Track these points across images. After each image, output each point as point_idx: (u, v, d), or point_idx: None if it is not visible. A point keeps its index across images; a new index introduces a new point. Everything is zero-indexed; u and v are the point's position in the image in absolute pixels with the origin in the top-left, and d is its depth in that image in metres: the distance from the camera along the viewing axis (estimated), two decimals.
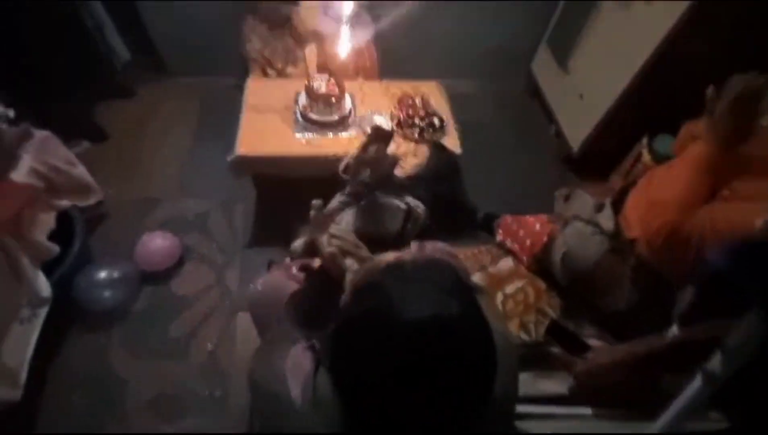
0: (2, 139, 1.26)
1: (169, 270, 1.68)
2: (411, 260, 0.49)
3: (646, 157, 1.89)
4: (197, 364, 1.51)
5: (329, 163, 1.54)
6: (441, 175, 1.29)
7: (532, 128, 2.52)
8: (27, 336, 1.31)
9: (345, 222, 1.28)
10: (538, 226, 1.27)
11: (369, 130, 1.57)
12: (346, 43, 1.48)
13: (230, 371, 1.50)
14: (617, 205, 1.27)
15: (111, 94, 2.24)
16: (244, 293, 1.64)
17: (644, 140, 1.93)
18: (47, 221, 1.45)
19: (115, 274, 1.55)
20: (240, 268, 1.75)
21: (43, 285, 1.35)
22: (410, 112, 1.62)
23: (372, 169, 1.27)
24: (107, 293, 1.53)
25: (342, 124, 1.59)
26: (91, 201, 1.66)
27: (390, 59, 2.07)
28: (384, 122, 1.61)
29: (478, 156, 1.81)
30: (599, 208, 1.27)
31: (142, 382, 1.46)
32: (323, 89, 1.52)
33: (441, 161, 1.31)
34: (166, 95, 2.35)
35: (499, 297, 1.20)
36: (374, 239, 1.22)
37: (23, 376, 1.26)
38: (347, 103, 1.61)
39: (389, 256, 0.51)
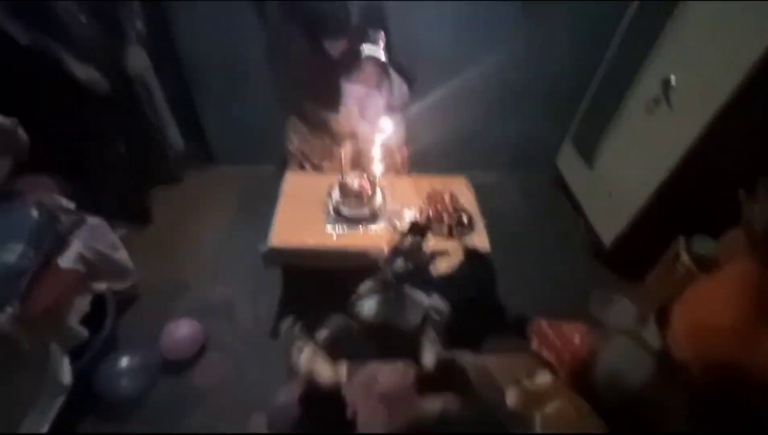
0: (58, 228, 1.35)
1: (190, 359, 1.65)
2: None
3: (685, 258, 1.81)
4: None
5: (358, 256, 1.56)
6: (474, 281, 1.27)
7: (560, 220, 2.51)
8: (39, 425, 1.27)
9: (368, 307, 1.26)
10: (577, 339, 1.19)
11: (398, 225, 1.62)
12: (381, 146, 1.58)
13: None
14: (662, 318, 1.19)
15: (161, 180, 2.43)
16: (261, 392, 1.57)
17: (681, 240, 1.87)
18: (82, 305, 1.49)
19: (137, 363, 1.53)
20: (260, 362, 1.69)
21: (66, 372, 1.34)
22: (439, 208, 1.66)
23: (407, 260, 1.28)
24: (126, 382, 1.50)
25: (372, 218, 1.64)
26: (127, 284, 1.72)
27: (419, 151, 2.18)
28: (413, 218, 1.65)
29: (505, 249, 1.78)
30: (642, 321, 1.20)
31: None
32: (356, 186, 1.60)
33: (475, 267, 1.29)
34: (210, 182, 2.53)
35: (538, 418, 1.09)
36: (392, 331, 1.18)
37: None
38: (378, 198, 1.67)
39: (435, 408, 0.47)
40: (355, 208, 1.61)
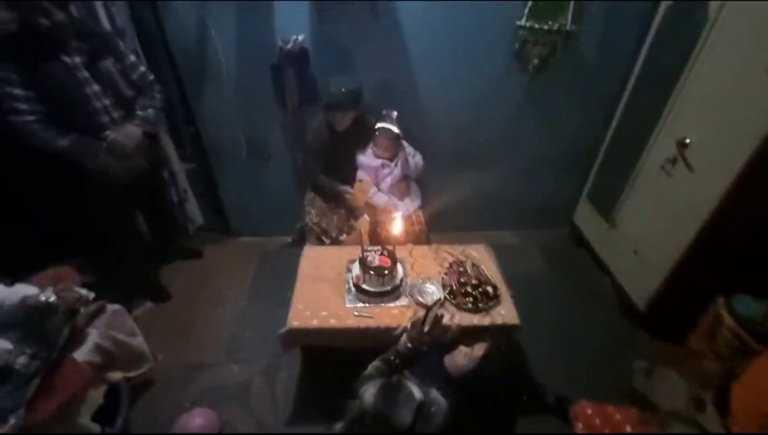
0: (78, 320, 1.34)
1: None
2: None
3: (728, 320, 1.69)
4: None
5: (379, 334, 1.50)
6: (506, 359, 1.18)
7: (585, 280, 2.42)
8: None
9: (369, 394, 1.17)
10: (628, 428, 1.08)
11: (420, 300, 1.56)
12: (399, 218, 1.58)
13: None
14: (721, 400, 1.08)
15: (180, 255, 2.45)
16: None
17: (720, 301, 1.77)
18: (96, 399, 1.42)
19: None
20: None
21: None
22: (462, 280, 1.61)
23: (428, 338, 1.22)
24: None
25: (393, 293, 1.59)
26: (143, 371, 1.66)
27: (435, 214, 2.18)
28: (436, 291, 1.60)
29: (531, 315, 1.70)
30: (699, 404, 1.09)
31: None
32: (376, 262, 1.57)
33: (506, 344, 1.22)
34: (228, 255, 2.54)
35: None
36: (383, 424, 1.08)
37: None
38: (399, 272, 1.64)
39: None
40: (375, 284, 1.57)
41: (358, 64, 2.01)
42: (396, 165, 2.01)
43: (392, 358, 1.29)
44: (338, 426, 1.28)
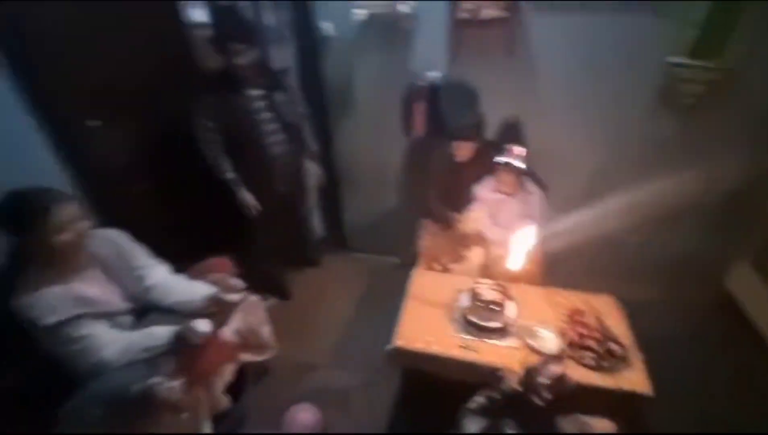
0: (228, 307, 1.60)
1: None
2: None
3: None
4: None
5: (483, 370, 1.46)
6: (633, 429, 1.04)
7: (738, 357, 1.99)
8: None
9: (469, 430, 1.12)
10: None
11: (532, 344, 1.48)
12: (517, 255, 1.54)
13: None
14: None
15: (301, 262, 2.74)
16: None
17: None
18: (227, 374, 1.67)
19: None
20: None
21: None
22: (584, 332, 1.48)
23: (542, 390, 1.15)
24: None
25: (503, 331, 1.54)
26: (266, 357, 1.88)
27: (556, 260, 2.05)
28: (552, 340, 1.49)
29: (666, 386, 1.45)
30: None
31: None
32: (488, 296, 1.55)
33: (633, 412, 1.08)
34: (342, 267, 2.76)
35: None
36: None
37: None
38: (510, 310, 1.58)
39: None
40: (485, 318, 1.54)
41: (488, 100, 2.05)
42: (516, 201, 1.97)
43: (498, 397, 1.24)
44: None
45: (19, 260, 1.21)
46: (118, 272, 1.39)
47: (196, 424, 1.41)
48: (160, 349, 1.33)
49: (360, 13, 1.96)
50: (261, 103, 1.92)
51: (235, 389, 1.68)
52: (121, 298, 1.40)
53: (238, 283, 1.62)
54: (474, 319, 1.55)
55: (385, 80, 2.20)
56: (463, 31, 1.94)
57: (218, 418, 1.55)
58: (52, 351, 1.22)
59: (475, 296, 1.57)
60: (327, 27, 2.11)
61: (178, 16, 2.07)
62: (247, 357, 1.78)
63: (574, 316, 1.56)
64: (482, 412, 1.22)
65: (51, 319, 1.15)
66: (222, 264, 1.77)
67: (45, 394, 1.24)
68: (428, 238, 2.04)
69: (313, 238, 2.81)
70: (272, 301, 2.42)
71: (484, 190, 2.00)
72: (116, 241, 1.41)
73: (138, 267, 1.44)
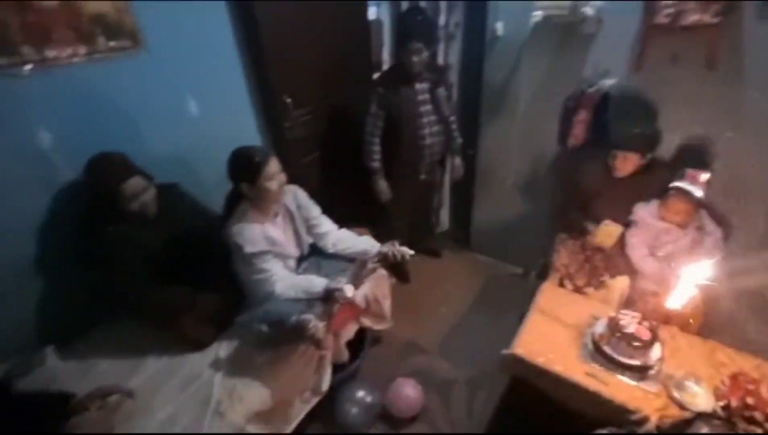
0: (364, 273, 1.79)
1: (402, 420, 1.77)
2: None
3: None
4: None
5: (610, 407, 1.33)
6: None
7: None
8: (298, 414, 1.61)
9: None
10: None
11: (677, 396, 1.30)
12: (678, 294, 1.35)
13: None
14: None
15: (423, 250, 2.85)
16: None
17: None
18: (350, 332, 1.86)
19: (367, 400, 1.76)
20: None
21: (327, 381, 1.67)
22: (749, 401, 1.23)
23: None
24: (354, 411, 1.74)
25: (641, 372, 1.38)
26: (382, 327, 2.04)
27: (721, 313, 1.73)
28: (704, 397, 1.29)
29: None
30: None
31: None
32: (632, 329, 1.40)
33: None
34: (461, 264, 2.78)
35: None
36: None
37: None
38: (655, 352, 1.41)
39: None
40: (621, 352, 1.40)
41: (671, 117, 1.81)
42: (684, 235, 1.71)
43: None
44: None
45: (235, 200, 1.55)
46: (297, 221, 1.68)
47: (324, 363, 1.62)
48: (314, 295, 1.57)
49: (537, 14, 1.92)
50: (425, 96, 2.08)
51: (352, 347, 1.88)
52: (294, 244, 1.69)
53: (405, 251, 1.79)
54: (609, 350, 1.42)
55: (550, 84, 2.12)
56: (657, 37, 1.74)
57: (336, 368, 1.75)
58: (242, 273, 1.54)
59: (614, 326, 1.43)
60: (498, 27, 2.13)
61: (364, 15, 2.34)
62: (366, 322, 1.96)
63: (740, 381, 1.31)
64: None
65: (249, 249, 1.46)
66: (364, 233, 1.96)
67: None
68: (565, 253, 1.92)
69: (438, 229, 2.90)
70: (392, 280, 2.59)
71: (646, 214, 1.79)
72: (297, 194, 1.69)
73: (313, 217, 1.72)
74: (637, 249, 1.80)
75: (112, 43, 1.44)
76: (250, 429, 1.33)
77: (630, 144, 1.75)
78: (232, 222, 1.49)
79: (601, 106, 1.94)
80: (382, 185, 2.25)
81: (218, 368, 1.46)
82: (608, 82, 1.88)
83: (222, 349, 1.54)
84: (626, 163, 1.78)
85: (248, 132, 2.03)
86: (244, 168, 1.46)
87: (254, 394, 1.39)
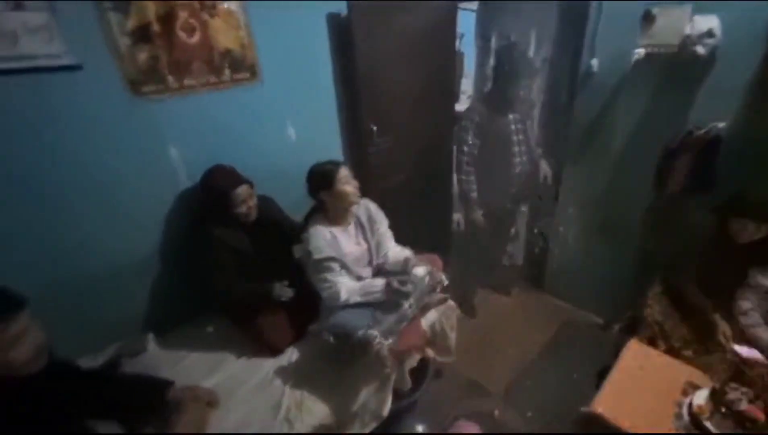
0: (432, 300, 1.78)
1: None
2: None
3: None
4: None
5: None
6: None
7: None
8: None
9: None
10: None
11: None
12: None
13: None
14: None
15: (491, 285, 2.75)
16: None
17: None
18: (414, 360, 1.84)
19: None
20: None
21: (387, 406, 1.66)
22: None
23: None
24: None
25: None
26: (446, 360, 1.99)
27: None
28: None
29: None
30: None
31: None
32: (741, 407, 1.22)
33: None
34: (532, 305, 2.64)
35: None
36: None
37: None
38: None
39: None
40: (726, 428, 1.22)
41: None
42: None
43: None
44: None
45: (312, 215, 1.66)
46: (367, 233, 1.73)
47: (386, 386, 1.62)
48: (376, 294, 1.59)
49: (640, 51, 1.84)
50: (518, 126, 2.15)
51: (414, 377, 1.85)
52: (366, 256, 1.72)
53: (444, 278, 1.77)
54: (711, 427, 1.24)
55: (648, 124, 1.98)
56: None
57: (396, 395, 1.74)
58: (313, 280, 1.61)
59: (720, 400, 1.25)
60: (593, 63, 2.06)
61: (452, 46, 2.42)
62: (430, 353, 1.92)
63: None
64: None
65: (316, 255, 1.54)
66: (435, 259, 1.95)
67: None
68: (659, 309, 1.73)
69: (508, 261, 2.80)
70: (458, 313, 2.52)
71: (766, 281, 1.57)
72: (369, 206, 1.75)
73: (382, 232, 1.77)
74: (750, 317, 1.58)
75: (236, 75, 1.66)
76: None
77: (759, 214, 1.54)
78: (307, 230, 1.60)
79: (708, 151, 1.77)
80: (478, 215, 2.27)
81: (289, 376, 1.54)
82: (720, 125, 1.72)
83: (294, 355, 1.62)
84: (758, 233, 1.57)
85: (334, 156, 2.17)
86: (320, 176, 1.57)
87: (319, 408, 1.43)
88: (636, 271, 2.16)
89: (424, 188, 2.48)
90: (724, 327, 1.58)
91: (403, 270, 1.70)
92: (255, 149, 1.83)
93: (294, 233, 1.87)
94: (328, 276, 1.57)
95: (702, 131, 1.74)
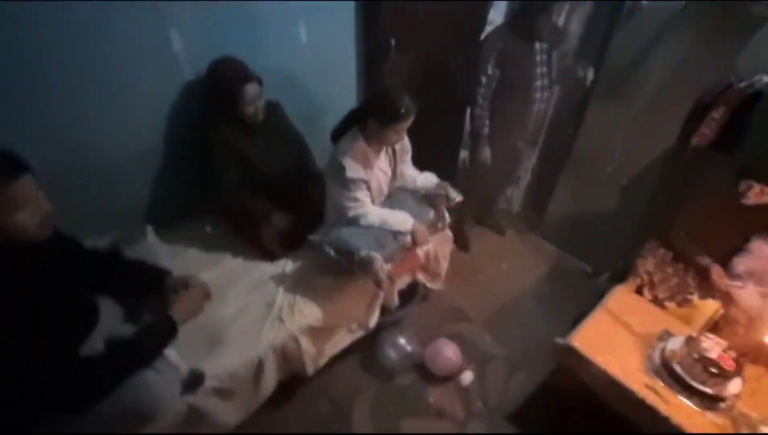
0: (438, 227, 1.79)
1: (435, 377, 1.82)
2: None
3: None
4: None
5: (663, 423, 1.25)
6: None
7: None
8: (343, 341, 1.71)
9: None
10: None
11: None
12: None
13: None
14: None
15: (487, 223, 2.76)
16: None
17: None
18: (404, 282, 1.91)
19: (408, 348, 1.82)
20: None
21: (375, 319, 1.75)
22: None
23: None
24: (393, 355, 1.81)
25: (709, 401, 1.27)
26: (436, 287, 2.06)
27: None
28: None
29: None
30: None
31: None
32: (713, 355, 1.27)
33: None
34: (525, 247, 2.67)
35: None
36: None
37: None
38: (734, 386, 1.27)
39: None
40: (694, 375, 1.29)
41: None
42: None
43: None
44: None
45: (351, 123, 1.57)
46: (397, 161, 1.71)
47: (376, 302, 1.70)
48: (402, 229, 1.61)
49: None
50: (543, 57, 1.98)
51: (402, 298, 1.92)
52: (389, 181, 1.71)
53: (456, 195, 1.77)
54: (679, 370, 1.31)
55: (686, 72, 1.84)
56: None
57: (383, 311, 1.81)
58: (335, 193, 1.57)
59: (694, 347, 1.31)
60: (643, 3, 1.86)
61: None
62: (421, 278, 1.99)
63: None
64: None
65: (350, 174, 1.50)
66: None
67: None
68: (652, 261, 1.74)
69: (507, 206, 2.79)
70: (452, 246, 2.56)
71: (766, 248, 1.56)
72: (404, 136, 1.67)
73: (407, 161, 1.79)
74: (740, 280, 1.60)
75: None
76: (302, 339, 1.45)
77: (756, 172, 1.49)
78: (343, 143, 1.54)
79: (746, 106, 1.66)
80: (486, 151, 2.18)
81: (283, 281, 1.58)
82: (765, 79, 1.59)
83: (289, 264, 1.66)
84: (764, 196, 1.52)
85: (347, 67, 2.04)
86: (387, 108, 1.45)
87: (311, 311, 1.49)
88: (637, 227, 2.15)
89: (437, 117, 2.36)
90: (716, 268, 1.61)
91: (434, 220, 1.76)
92: (261, 47, 1.68)
93: (301, 147, 1.82)
94: (360, 195, 1.55)
95: (743, 84, 1.62)
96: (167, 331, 1.07)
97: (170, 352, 1.19)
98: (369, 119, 1.50)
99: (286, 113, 1.78)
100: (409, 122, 1.50)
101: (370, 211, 1.57)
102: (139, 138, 1.57)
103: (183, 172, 1.72)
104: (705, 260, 1.62)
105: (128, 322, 1.24)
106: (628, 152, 2.14)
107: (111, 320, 1.22)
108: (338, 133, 1.58)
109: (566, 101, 2.33)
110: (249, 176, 1.61)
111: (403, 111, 1.44)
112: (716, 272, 1.58)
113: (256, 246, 1.68)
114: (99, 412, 0.98)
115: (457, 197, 1.75)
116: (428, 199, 1.80)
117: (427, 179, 1.83)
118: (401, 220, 1.62)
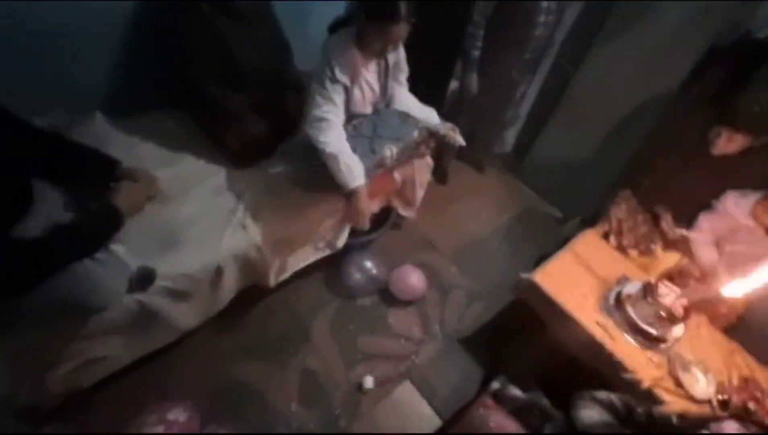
0: (415, 154, 1.69)
1: (398, 301, 1.85)
2: None
3: None
4: (339, 389, 1.57)
5: (608, 362, 1.33)
6: None
7: None
8: (308, 257, 1.67)
9: (587, 417, 1.08)
10: None
11: (679, 375, 1.27)
12: (737, 287, 1.23)
13: (353, 423, 1.50)
14: None
15: (469, 160, 2.69)
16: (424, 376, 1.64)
17: None
18: (376, 206, 1.84)
19: (373, 271, 1.82)
20: (436, 355, 1.75)
21: (342, 239, 1.71)
22: (750, 406, 1.20)
23: None
24: (358, 276, 1.80)
25: (654, 342, 1.34)
26: (408, 214, 2.02)
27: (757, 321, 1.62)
28: (704, 386, 1.26)
29: None
30: None
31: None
32: (667, 301, 1.32)
33: None
34: (502, 186, 2.65)
35: None
36: None
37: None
38: (677, 330, 1.35)
39: None
40: (644, 318, 1.35)
41: None
42: (765, 241, 1.52)
43: (626, 408, 1.12)
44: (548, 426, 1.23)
45: (345, 23, 1.41)
46: (388, 76, 1.56)
47: (345, 222, 1.64)
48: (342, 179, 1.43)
49: None
50: (541, 19, 1.83)
51: (373, 223, 1.87)
52: (375, 97, 1.58)
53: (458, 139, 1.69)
54: (630, 311, 1.37)
55: (701, 14, 1.71)
56: None
57: (352, 232, 1.77)
58: (314, 89, 1.40)
59: (649, 291, 1.35)
60: None
61: None
62: (394, 203, 1.93)
63: (750, 386, 1.26)
64: (609, 410, 1.12)
65: (336, 73, 1.35)
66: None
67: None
68: (624, 209, 1.75)
69: (497, 145, 2.69)
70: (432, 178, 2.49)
71: (734, 206, 1.58)
72: (400, 51, 1.54)
73: (400, 81, 1.65)
74: (703, 233, 1.64)
75: None
76: (265, 249, 1.38)
77: (743, 122, 1.45)
78: (333, 39, 1.38)
79: (752, 60, 1.57)
80: (473, 78, 2.02)
81: (250, 188, 1.47)
82: None
83: (258, 172, 1.54)
84: (730, 144, 1.51)
85: None
86: (386, 6, 1.26)
87: (277, 221, 1.42)
88: (618, 176, 2.13)
89: (430, 39, 2.13)
90: (666, 216, 1.65)
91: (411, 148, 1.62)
92: None
93: (284, 45, 1.60)
94: (329, 113, 1.38)
95: (763, 35, 1.52)
96: (111, 221, 0.98)
97: (118, 247, 1.11)
98: (366, 22, 1.33)
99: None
100: (401, 28, 1.32)
101: (331, 136, 1.38)
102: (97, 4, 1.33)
103: (147, 53, 1.49)
104: (660, 209, 1.65)
105: (69, 210, 1.12)
106: (626, 98, 2.05)
107: (52, 209, 1.10)
108: (335, 28, 1.42)
109: (572, 34, 2.16)
110: (226, 67, 1.40)
111: (391, 9, 1.26)
112: (665, 220, 1.62)
113: (222, 148, 1.53)
114: (40, 298, 0.92)
115: (460, 142, 1.68)
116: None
117: (425, 114, 1.69)
118: (352, 172, 1.41)
